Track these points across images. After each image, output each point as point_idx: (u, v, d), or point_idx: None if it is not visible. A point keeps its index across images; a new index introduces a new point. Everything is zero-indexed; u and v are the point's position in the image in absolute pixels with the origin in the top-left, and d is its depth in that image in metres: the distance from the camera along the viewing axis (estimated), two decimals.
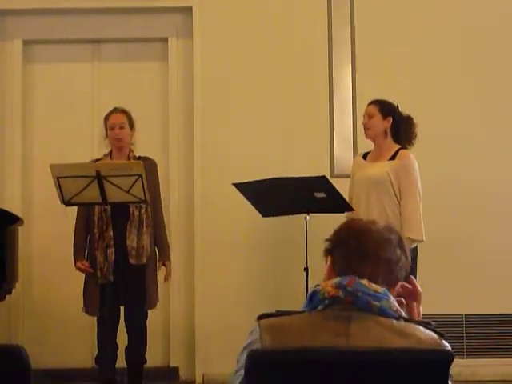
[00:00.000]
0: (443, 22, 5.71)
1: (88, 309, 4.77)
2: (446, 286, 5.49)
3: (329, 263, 2.01)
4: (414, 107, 5.43)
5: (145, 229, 4.74)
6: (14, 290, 5.08)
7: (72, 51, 5.92)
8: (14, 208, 5.46)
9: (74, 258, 4.82)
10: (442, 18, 5.71)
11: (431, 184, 5.48)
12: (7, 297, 5.04)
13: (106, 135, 4.91)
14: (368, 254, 1.94)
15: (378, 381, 1.77)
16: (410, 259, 2.02)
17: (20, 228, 5.16)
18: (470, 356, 5.48)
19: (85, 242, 4.82)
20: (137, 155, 4.90)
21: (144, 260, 4.74)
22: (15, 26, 5.84)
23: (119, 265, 4.69)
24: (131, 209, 4.71)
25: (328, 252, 2.02)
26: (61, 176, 4.35)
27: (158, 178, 4.94)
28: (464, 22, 5.70)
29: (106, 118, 4.91)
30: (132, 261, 4.70)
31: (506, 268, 5.54)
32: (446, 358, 1.77)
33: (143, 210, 4.74)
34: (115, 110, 4.92)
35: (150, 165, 4.89)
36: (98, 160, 4.87)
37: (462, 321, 5.52)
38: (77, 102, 5.86)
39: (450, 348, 1.86)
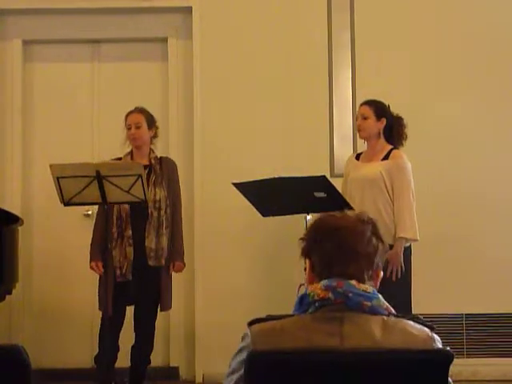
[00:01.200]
0: (442, 24, 5.71)
1: (102, 306, 4.72)
2: (446, 286, 5.49)
3: (308, 267, 2.01)
4: (414, 108, 5.45)
5: (164, 230, 4.73)
6: (14, 290, 5.08)
7: (72, 51, 5.92)
8: (14, 208, 5.46)
9: (91, 256, 4.76)
10: (440, 21, 5.71)
11: (431, 182, 5.49)
12: (7, 297, 5.04)
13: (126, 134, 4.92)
14: (347, 252, 1.93)
15: (379, 381, 1.78)
16: (386, 244, 2.01)
17: (20, 228, 5.16)
18: (470, 355, 5.48)
19: (103, 242, 4.76)
20: (158, 155, 4.90)
21: (163, 262, 4.73)
22: (15, 26, 5.84)
23: (136, 265, 4.68)
24: (150, 210, 4.69)
25: (305, 254, 2.02)
26: (61, 176, 4.35)
27: (178, 179, 4.93)
28: (463, 24, 5.70)
29: (125, 118, 4.90)
30: (151, 262, 4.69)
31: (506, 267, 5.54)
32: (446, 358, 1.77)
33: (163, 212, 4.73)
34: (133, 110, 4.90)
35: (171, 165, 4.91)
36: (119, 159, 4.87)
37: (462, 320, 5.52)
38: (77, 102, 5.86)
39: (439, 339, 1.89)
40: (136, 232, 4.70)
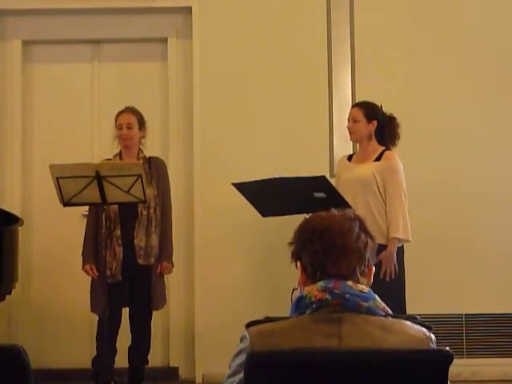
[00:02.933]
0: (442, 21, 5.71)
1: (95, 308, 4.74)
2: (446, 286, 5.49)
3: (300, 270, 2.01)
4: (413, 106, 5.45)
5: (153, 229, 4.73)
6: (13, 291, 5.08)
7: (72, 51, 5.92)
8: (14, 208, 5.46)
9: (83, 259, 4.78)
10: (440, 18, 5.71)
11: (431, 182, 5.50)
12: (7, 297, 5.04)
13: (116, 134, 4.91)
14: (337, 250, 1.94)
15: (378, 381, 1.78)
16: (375, 240, 2.01)
17: (20, 228, 5.16)
18: (470, 356, 5.48)
19: (95, 243, 4.77)
20: (146, 155, 4.90)
21: (152, 260, 4.73)
22: (15, 27, 5.83)
23: (127, 264, 4.69)
24: (139, 209, 4.70)
25: (295, 257, 2.02)
26: (60, 176, 4.35)
27: (168, 179, 4.93)
28: (463, 21, 5.70)
29: (116, 117, 4.90)
30: (140, 261, 4.70)
31: (506, 267, 5.54)
32: (446, 359, 1.77)
33: (152, 210, 4.73)
34: (124, 110, 4.90)
35: (160, 165, 4.91)
36: (108, 160, 4.87)
37: (461, 320, 5.52)
38: (76, 103, 5.86)
39: (435, 339, 1.90)
40: (125, 232, 4.70)
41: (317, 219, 2.00)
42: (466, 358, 5.45)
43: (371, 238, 1.99)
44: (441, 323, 5.38)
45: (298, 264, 2.02)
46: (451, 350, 1.80)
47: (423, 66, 5.68)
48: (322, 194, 4.64)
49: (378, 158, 4.73)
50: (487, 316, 5.52)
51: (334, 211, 2.02)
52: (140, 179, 4.34)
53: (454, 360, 1.79)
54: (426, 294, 5.32)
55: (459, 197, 5.59)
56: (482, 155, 5.62)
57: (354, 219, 1.98)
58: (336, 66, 5.70)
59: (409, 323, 1.90)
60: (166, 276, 4.92)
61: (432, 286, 5.44)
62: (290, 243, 2.02)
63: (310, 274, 1.96)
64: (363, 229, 1.98)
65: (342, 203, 4.67)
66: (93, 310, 4.76)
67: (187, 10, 5.76)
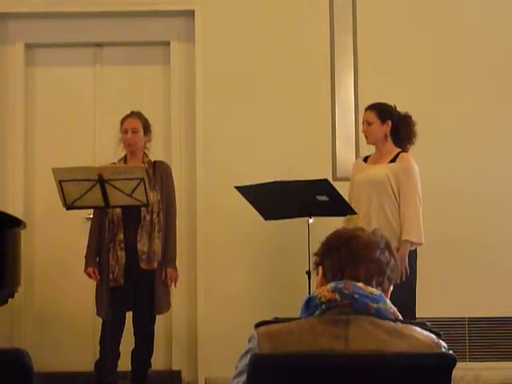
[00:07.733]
0: (444, 27, 5.71)
1: (100, 312, 4.73)
2: (449, 289, 5.49)
3: (320, 273, 2.04)
4: (415, 111, 5.43)
5: (156, 233, 4.72)
6: (16, 294, 5.08)
7: (74, 55, 5.93)
8: (17, 211, 5.46)
9: (86, 262, 4.79)
10: (442, 24, 5.72)
11: (436, 184, 5.49)
12: (10, 300, 5.04)
13: (121, 139, 4.91)
14: (359, 256, 1.97)
15: None
16: (398, 262, 2.07)
17: (22, 231, 5.16)
18: (472, 359, 5.47)
19: (98, 247, 4.78)
20: (152, 159, 4.90)
21: (155, 265, 4.72)
22: (17, 30, 5.84)
23: (130, 269, 4.69)
24: (143, 213, 4.70)
25: (318, 264, 2.05)
26: (63, 180, 4.35)
27: (172, 183, 4.93)
28: (464, 28, 5.70)
29: (121, 122, 4.90)
30: (143, 265, 4.70)
31: (510, 271, 5.53)
32: (449, 362, 1.77)
33: (155, 215, 4.73)
34: (130, 115, 4.90)
35: (165, 169, 4.91)
36: (113, 164, 4.87)
37: (464, 324, 5.52)
38: (79, 106, 5.87)
39: (446, 346, 1.89)
40: (128, 236, 4.71)
41: (345, 230, 2.08)
42: (469, 361, 5.45)
43: (395, 258, 2.03)
44: (444, 327, 5.37)
45: (320, 268, 2.03)
46: (455, 354, 1.80)
47: (426, 71, 5.68)
48: (324, 198, 4.63)
49: (393, 160, 4.67)
50: (490, 320, 5.51)
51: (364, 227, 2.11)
52: (142, 182, 4.34)
53: (457, 363, 1.78)
54: (429, 297, 5.31)
55: (462, 201, 5.58)
56: (491, 157, 5.61)
57: (381, 237, 2.04)
58: (339, 70, 5.70)
59: (418, 329, 1.89)
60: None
61: (435, 289, 5.43)
62: (316, 254, 2.05)
63: (330, 278, 1.98)
64: (388, 248, 2.03)
65: (344, 207, 4.67)
66: (98, 313, 4.76)
67: (190, 14, 5.77)
